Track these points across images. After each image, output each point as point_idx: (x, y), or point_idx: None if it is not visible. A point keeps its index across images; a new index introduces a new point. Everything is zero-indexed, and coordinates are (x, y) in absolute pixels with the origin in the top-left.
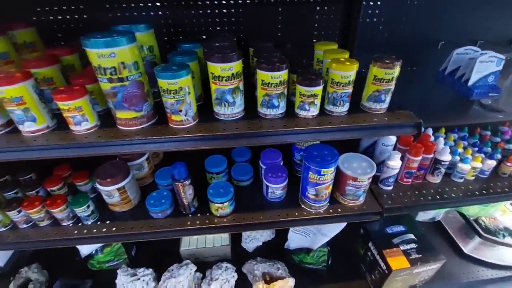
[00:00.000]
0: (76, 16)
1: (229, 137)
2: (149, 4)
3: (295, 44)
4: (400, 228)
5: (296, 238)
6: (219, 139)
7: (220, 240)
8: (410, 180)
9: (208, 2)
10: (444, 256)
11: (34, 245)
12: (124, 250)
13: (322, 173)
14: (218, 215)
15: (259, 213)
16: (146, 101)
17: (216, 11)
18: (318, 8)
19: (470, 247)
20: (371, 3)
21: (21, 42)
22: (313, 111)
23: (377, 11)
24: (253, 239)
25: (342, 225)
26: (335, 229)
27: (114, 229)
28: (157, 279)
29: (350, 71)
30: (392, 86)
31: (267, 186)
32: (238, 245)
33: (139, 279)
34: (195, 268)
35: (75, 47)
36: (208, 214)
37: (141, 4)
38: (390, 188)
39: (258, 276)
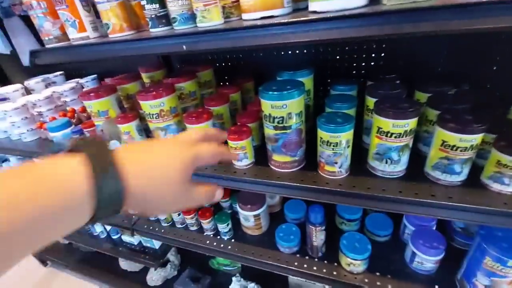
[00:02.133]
0: (240, 55)
1: (389, 200)
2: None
3: (471, 84)
4: None
5: None
6: (376, 200)
7: None
8: None
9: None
10: None
11: (184, 245)
12: None
13: (508, 265)
14: (348, 270)
15: (399, 282)
16: (301, 146)
17: (374, 45)
18: (503, 37)
19: None
20: None
21: (202, 81)
22: None
23: None
24: None
25: None
26: None
27: (245, 250)
28: None
29: None
30: None
31: (415, 254)
32: None
33: None
34: None
35: (238, 86)
36: (336, 264)
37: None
38: None
39: None
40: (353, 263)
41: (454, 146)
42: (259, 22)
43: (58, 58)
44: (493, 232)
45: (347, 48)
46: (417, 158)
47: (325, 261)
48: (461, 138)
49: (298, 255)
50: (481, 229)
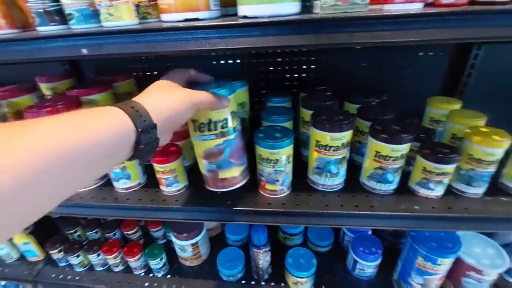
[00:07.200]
0: (167, 64)
1: (332, 215)
2: (237, 53)
3: (388, 94)
4: None
5: None
6: (320, 217)
7: None
8: None
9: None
10: None
11: None
12: None
13: (438, 263)
14: None
15: None
16: (245, 152)
17: (304, 58)
18: (421, 53)
19: None
20: (488, 48)
21: (120, 93)
22: (439, 191)
23: (495, 56)
24: None
25: None
26: None
27: (183, 286)
28: None
29: (498, 148)
30: None
31: (356, 261)
32: None
33: None
34: None
35: None
36: (283, 284)
37: (228, 53)
38: None
39: None
40: (300, 281)
41: (386, 156)
42: (182, 24)
43: None
44: (422, 232)
45: (279, 59)
46: (352, 168)
47: (272, 283)
48: (392, 148)
49: (243, 282)
50: (412, 231)
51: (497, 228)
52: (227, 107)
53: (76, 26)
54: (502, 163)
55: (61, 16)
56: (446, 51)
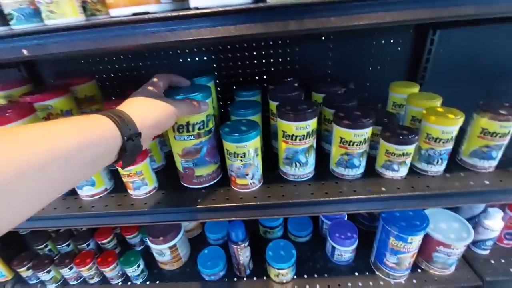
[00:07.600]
0: (132, 64)
1: (303, 204)
2: (204, 49)
3: (355, 83)
4: None
5: None
6: (292, 206)
7: None
8: None
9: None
10: None
11: None
12: None
13: (408, 241)
14: (278, 281)
15: (325, 279)
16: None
17: (272, 51)
18: (383, 41)
19: None
20: (442, 33)
21: (81, 97)
22: (403, 172)
23: (449, 41)
24: None
25: None
26: None
27: None
28: None
29: (453, 126)
30: (506, 141)
31: (334, 248)
32: None
33: None
34: None
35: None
36: (265, 278)
37: (195, 50)
38: (487, 252)
39: None
40: (281, 273)
41: (350, 141)
42: (126, 18)
43: None
44: (393, 214)
45: (247, 53)
46: (322, 157)
47: (254, 278)
48: (355, 133)
49: (226, 279)
50: (383, 213)
51: (456, 202)
52: (206, 111)
53: (18, 26)
54: (459, 140)
55: (2, 17)
56: (406, 38)
